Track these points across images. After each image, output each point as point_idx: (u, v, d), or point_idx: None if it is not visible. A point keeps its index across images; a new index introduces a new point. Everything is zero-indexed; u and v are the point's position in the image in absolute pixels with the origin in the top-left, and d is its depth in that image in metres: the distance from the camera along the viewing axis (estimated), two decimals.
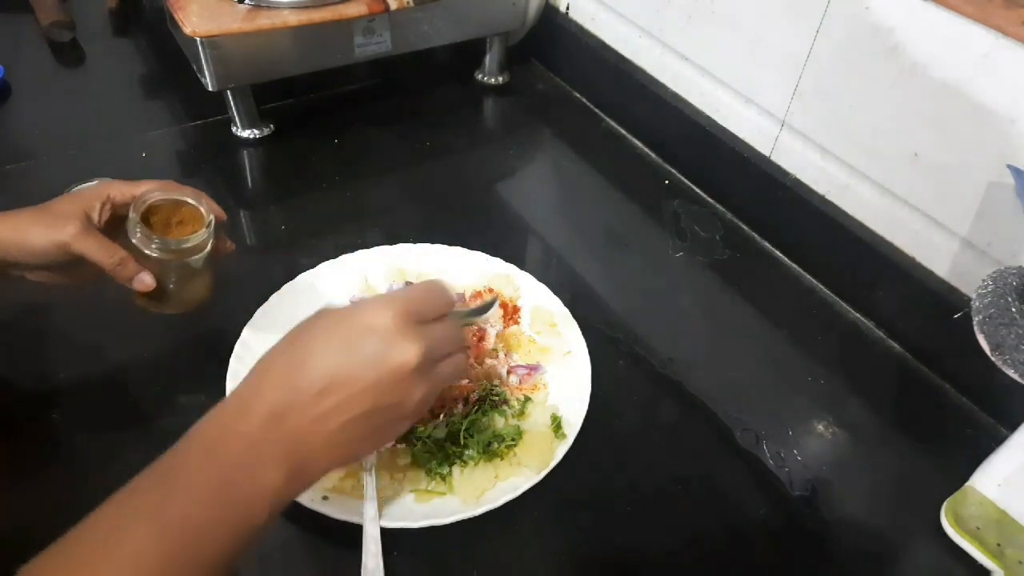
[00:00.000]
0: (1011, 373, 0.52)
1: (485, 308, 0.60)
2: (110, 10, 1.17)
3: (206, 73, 0.85)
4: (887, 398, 0.73)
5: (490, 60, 1.11)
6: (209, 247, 0.61)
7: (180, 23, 0.81)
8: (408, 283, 0.74)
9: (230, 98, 0.91)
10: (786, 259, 0.87)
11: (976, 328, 0.54)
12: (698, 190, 0.96)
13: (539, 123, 1.07)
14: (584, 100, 1.11)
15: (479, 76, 1.13)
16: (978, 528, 0.60)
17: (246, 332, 0.66)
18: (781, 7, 0.79)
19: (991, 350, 0.53)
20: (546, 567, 0.57)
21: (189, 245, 0.60)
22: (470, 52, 1.10)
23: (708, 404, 0.70)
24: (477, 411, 0.63)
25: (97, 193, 0.59)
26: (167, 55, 1.04)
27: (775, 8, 0.79)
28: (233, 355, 0.64)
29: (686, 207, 0.93)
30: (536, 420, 0.64)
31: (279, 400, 0.43)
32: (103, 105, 1.00)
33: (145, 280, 0.59)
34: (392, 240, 0.78)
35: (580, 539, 0.59)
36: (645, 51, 1.00)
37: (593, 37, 1.08)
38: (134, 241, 0.59)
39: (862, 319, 0.81)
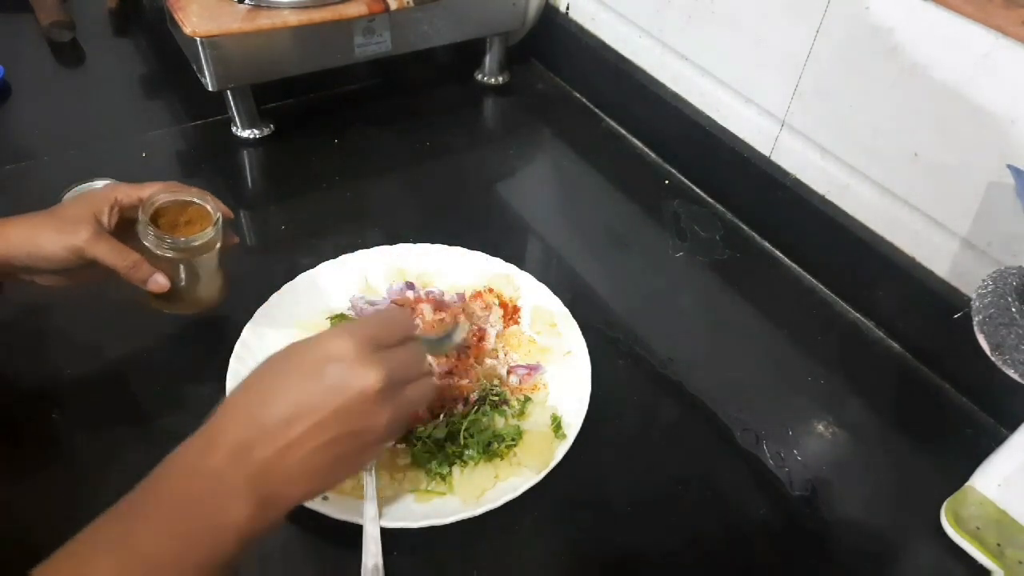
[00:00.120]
0: (1011, 373, 0.52)
1: (449, 336, 0.58)
2: (110, 10, 1.17)
3: (206, 73, 0.85)
4: (887, 398, 0.73)
5: (490, 60, 1.11)
6: (219, 245, 0.63)
7: (180, 23, 0.81)
8: (408, 283, 0.74)
9: (230, 98, 0.91)
10: (786, 259, 0.87)
11: (976, 328, 0.54)
12: (698, 190, 0.96)
13: (539, 123, 1.07)
14: (584, 100, 1.11)
15: (479, 76, 1.13)
16: (978, 528, 0.60)
17: (246, 332, 0.66)
18: (781, 7, 0.79)
19: (991, 350, 0.53)
20: (546, 567, 0.57)
21: (201, 242, 0.61)
22: (470, 52, 1.10)
23: (708, 404, 0.70)
24: (477, 411, 0.63)
25: (104, 197, 0.60)
26: (167, 55, 1.04)
27: (775, 8, 0.79)
28: (233, 355, 0.64)
29: (686, 207, 0.93)
30: (536, 420, 0.64)
31: (244, 434, 0.43)
32: (103, 105, 1.00)
33: (159, 281, 0.60)
34: (392, 240, 0.78)
35: (580, 539, 0.59)
36: (645, 51, 1.00)
37: (593, 37, 1.08)
38: (146, 243, 0.60)
39: (862, 319, 0.81)
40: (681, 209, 0.93)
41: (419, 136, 1.00)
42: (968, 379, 0.72)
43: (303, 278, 0.73)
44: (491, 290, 0.74)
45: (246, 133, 0.95)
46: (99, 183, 0.77)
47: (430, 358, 0.66)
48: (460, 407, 0.63)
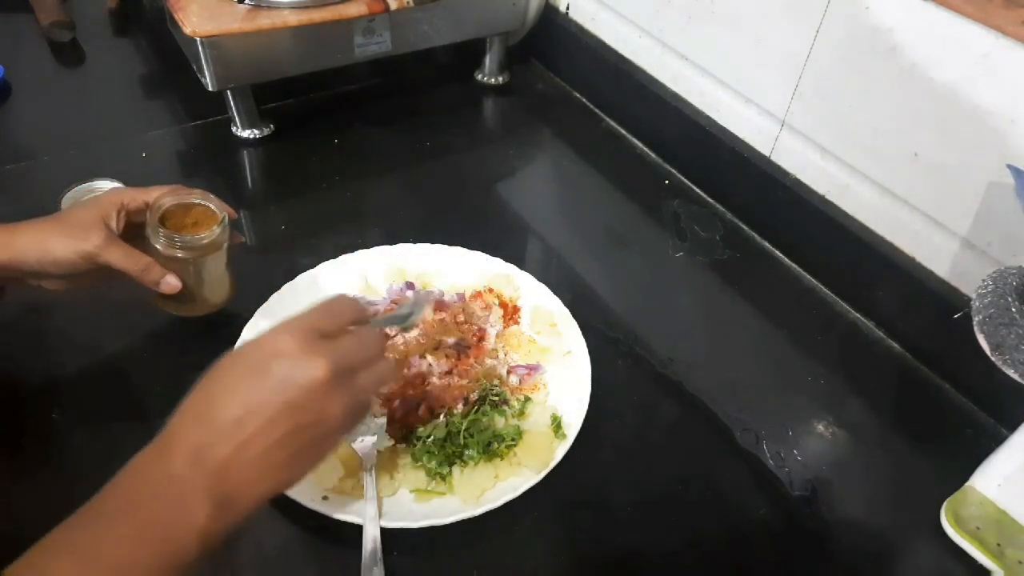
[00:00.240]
0: (1011, 373, 0.52)
1: (406, 314, 0.58)
2: (110, 10, 1.17)
3: (206, 73, 0.85)
4: (887, 398, 0.73)
5: (490, 60, 1.11)
6: (226, 244, 0.64)
7: (180, 23, 0.81)
8: (408, 283, 0.74)
9: (230, 98, 0.91)
10: (786, 259, 0.87)
11: (976, 328, 0.54)
12: (698, 190, 0.95)
13: (539, 123, 1.07)
14: (584, 100, 1.11)
15: (479, 76, 1.13)
16: (978, 528, 0.60)
17: (246, 332, 0.66)
18: (781, 7, 0.79)
19: (991, 350, 0.53)
20: (546, 567, 0.57)
21: (209, 240, 0.62)
22: (470, 52, 1.10)
23: (708, 404, 0.70)
24: (477, 411, 0.63)
25: (111, 202, 0.61)
26: (167, 55, 1.04)
27: (775, 8, 0.80)
28: None
29: (686, 207, 0.93)
30: (536, 420, 0.64)
31: (198, 436, 0.43)
32: (103, 105, 1.00)
33: (171, 282, 0.62)
34: (392, 240, 0.78)
35: (580, 539, 0.59)
36: (645, 51, 1.00)
37: (593, 37, 1.08)
38: (156, 245, 0.61)
39: (862, 319, 0.81)
40: (681, 209, 0.93)
41: (419, 136, 1.00)
42: (968, 379, 0.72)
43: (303, 278, 0.73)
44: (491, 290, 0.74)
45: (246, 133, 0.95)
46: (99, 183, 0.77)
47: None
48: (460, 407, 0.63)
